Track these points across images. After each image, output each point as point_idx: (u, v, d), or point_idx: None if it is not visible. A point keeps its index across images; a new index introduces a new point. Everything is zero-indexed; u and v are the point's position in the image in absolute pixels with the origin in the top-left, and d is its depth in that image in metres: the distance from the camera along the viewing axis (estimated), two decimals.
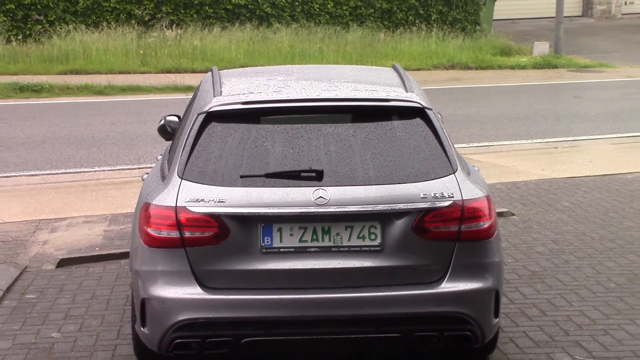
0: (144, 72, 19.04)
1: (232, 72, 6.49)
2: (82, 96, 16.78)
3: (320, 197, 4.85)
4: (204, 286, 4.89)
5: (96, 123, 14.15)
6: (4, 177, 10.82)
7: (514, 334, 6.12)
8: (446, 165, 5.07)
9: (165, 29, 20.90)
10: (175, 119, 6.76)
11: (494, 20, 25.78)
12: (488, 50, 22.71)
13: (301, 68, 7.10)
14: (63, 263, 7.70)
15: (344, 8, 23.12)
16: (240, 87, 5.58)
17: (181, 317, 4.86)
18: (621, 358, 5.76)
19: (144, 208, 5.06)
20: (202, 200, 4.87)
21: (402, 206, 4.88)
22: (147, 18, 21.37)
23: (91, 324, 6.39)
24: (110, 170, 11.23)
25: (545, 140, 13.23)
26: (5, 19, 20.27)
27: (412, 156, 5.06)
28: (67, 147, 12.34)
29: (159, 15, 21.47)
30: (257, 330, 4.91)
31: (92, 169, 11.26)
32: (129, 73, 18.91)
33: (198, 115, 5.21)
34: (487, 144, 12.86)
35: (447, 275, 4.97)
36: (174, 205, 4.88)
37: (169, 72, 19.13)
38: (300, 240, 4.89)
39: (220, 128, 5.13)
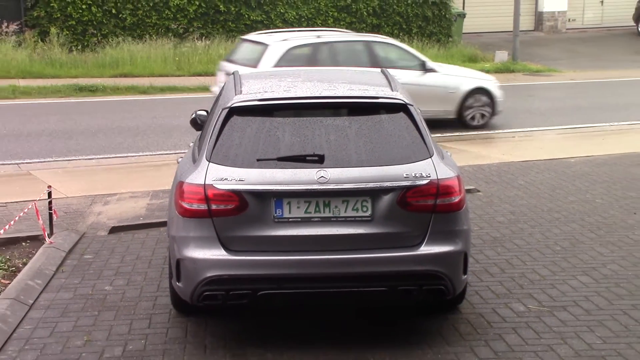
0: (179, 76, 18.91)
1: (250, 75, 6.45)
2: (129, 95, 16.70)
3: (322, 176, 4.82)
4: (227, 249, 4.87)
5: (140, 117, 14.08)
6: (66, 160, 10.79)
7: (479, 288, 6.10)
8: (424, 150, 5.03)
9: (196, 41, 20.79)
10: (204, 113, 6.72)
11: (463, 33, 25.64)
12: (459, 57, 22.55)
13: (306, 71, 7.04)
14: (114, 230, 7.68)
15: (342, 23, 22.99)
16: (257, 87, 5.53)
17: (209, 274, 4.84)
18: (565, 307, 5.74)
19: (179, 185, 5.03)
20: (226, 179, 4.84)
21: (388, 184, 4.85)
22: (181, 31, 21.28)
23: (136, 279, 6.38)
24: (151, 155, 11.19)
25: (505, 131, 13.18)
26: (68, 33, 20.20)
27: (396, 143, 5.03)
28: (116, 136, 12.29)
29: (191, 29, 21.39)
30: (271, 284, 4.88)
31: (137, 154, 11.21)
32: (167, 76, 18.78)
33: (223, 109, 5.17)
34: (458, 133, 12.80)
35: (425, 240, 4.94)
36: (203, 183, 4.86)
37: (199, 75, 19.01)
38: (305, 212, 4.87)
39: (241, 120, 5.09)
